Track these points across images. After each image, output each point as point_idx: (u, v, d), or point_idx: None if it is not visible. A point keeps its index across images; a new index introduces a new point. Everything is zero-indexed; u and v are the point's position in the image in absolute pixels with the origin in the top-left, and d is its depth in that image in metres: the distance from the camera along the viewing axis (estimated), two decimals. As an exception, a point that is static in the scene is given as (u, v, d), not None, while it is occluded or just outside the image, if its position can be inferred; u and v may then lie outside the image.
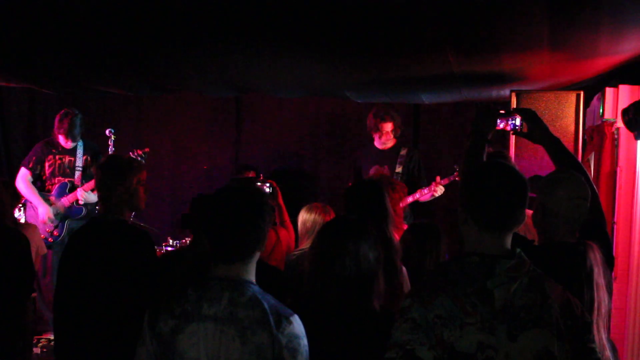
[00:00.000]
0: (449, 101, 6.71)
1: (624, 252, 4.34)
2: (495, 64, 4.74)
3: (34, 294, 4.80)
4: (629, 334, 4.28)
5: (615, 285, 3.92)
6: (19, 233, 4.00)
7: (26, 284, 3.91)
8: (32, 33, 4.36)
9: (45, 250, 5.27)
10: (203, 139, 7.41)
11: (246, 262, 2.15)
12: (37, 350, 5.63)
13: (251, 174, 6.61)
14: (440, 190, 5.74)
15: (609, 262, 2.96)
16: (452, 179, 5.77)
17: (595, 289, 2.51)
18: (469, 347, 1.82)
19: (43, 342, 5.80)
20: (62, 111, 6.07)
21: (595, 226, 2.84)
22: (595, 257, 2.56)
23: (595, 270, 2.53)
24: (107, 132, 5.91)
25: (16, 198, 5.04)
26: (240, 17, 3.82)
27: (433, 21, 3.77)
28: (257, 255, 2.19)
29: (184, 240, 6.44)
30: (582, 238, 2.70)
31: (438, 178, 5.74)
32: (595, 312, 2.48)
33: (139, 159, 6.13)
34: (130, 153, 6.13)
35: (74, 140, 6.04)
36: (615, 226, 4.42)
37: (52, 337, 5.87)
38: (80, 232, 3.32)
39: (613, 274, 3.63)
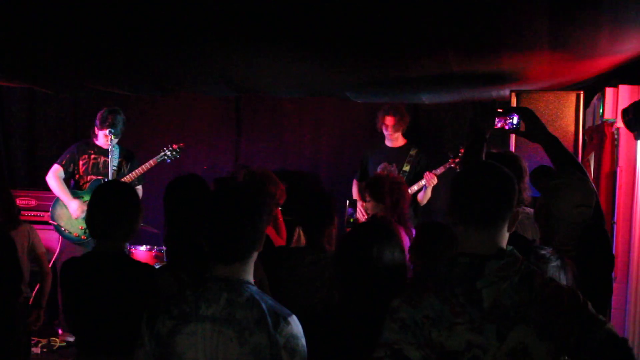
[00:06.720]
0: (449, 101, 6.71)
1: (624, 252, 4.33)
2: (495, 64, 4.74)
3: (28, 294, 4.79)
4: (629, 334, 4.27)
5: (615, 285, 3.92)
6: (5, 235, 4.00)
7: (13, 285, 3.92)
8: (32, 32, 4.36)
9: (43, 249, 5.21)
10: (203, 139, 7.39)
11: (244, 262, 2.15)
12: (37, 350, 5.62)
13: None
14: (433, 181, 5.93)
15: (609, 261, 2.96)
16: (447, 166, 5.95)
17: None
18: (458, 346, 1.82)
19: (43, 342, 5.80)
20: (105, 109, 5.95)
21: (595, 226, 2.83)
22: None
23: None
24: (106, 132, 5.86)
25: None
26: (240, 16, 3.81)
27: (433, 21, 3.77)
28: (255, 255, 2.19)
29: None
30: (582, 238, 2.69)
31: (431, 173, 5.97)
32: None
33: (174, 153, 6.09)
34: (165, 148, 6.07)
35: (116, 136, 5.90)
36: (615, 226, 4.42)
37: (53, 339, 5.88)
38: None
39: (613, 274, 3.63)
